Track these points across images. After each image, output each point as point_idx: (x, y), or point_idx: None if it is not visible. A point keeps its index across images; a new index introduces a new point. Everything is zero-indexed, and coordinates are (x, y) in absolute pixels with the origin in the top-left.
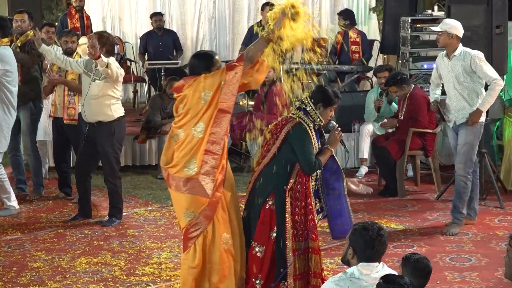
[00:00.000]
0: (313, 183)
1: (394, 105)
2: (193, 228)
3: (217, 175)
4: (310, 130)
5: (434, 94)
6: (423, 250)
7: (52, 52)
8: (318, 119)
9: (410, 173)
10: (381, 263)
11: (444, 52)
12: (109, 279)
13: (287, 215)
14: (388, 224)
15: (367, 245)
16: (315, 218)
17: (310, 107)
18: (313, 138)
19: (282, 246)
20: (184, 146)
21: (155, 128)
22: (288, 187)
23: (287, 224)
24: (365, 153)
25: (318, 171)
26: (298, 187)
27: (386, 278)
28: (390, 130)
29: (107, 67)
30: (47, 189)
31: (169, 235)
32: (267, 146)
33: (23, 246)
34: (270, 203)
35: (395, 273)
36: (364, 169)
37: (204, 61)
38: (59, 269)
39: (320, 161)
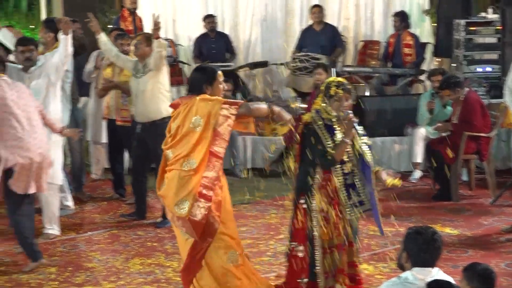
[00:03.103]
0: (340, 178)
1: (449, 108)
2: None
3: (205, 218)
4: (319, 127)
5: None
6: (478, 255)
7: (108, 43)
8: (331, 114)
9: (465, 177)
10: (436, 268)
11: None
12: (163, 280)
13: (314, 213)
14: (442, 229)
15: (421, 249)
16: (342, 213)
17: (323, 104)
18: (323, 134)
19: (311, 244)
20: (173, 179)
21: None
22: (315, 185)
23: (314, 222)
24: (419, 157)
25: (348, 165)
26: (324, 183)
27: (434, 284)
28: (444, 134)
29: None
30: (102, 190)
31: None
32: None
33: (78, 246)
34: (302, 202)
35: (450, 278)
36: (417, 173)
37: (207, 75)
38: (113, 269)
39: (334, 155)
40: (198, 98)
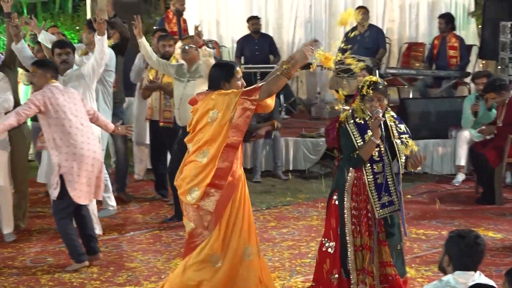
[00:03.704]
0: (370, 177)
1: (494, 111)
2: (196, 237)
3: (217, 209)
4: (349, 125)
5: None
6: None
7: (148, 49)
8: (365, 113)
9: (509, 180)
10: (478, 272)
11: None
12: None
13: (345, 211)
14: (485, 233)
15: (463, 253)
16: (372, 212)
17: (359, 103)
18: (353, 133)
19: (342, 241)
20: (189, 170)
21: (250, 132)
22: (347, 183)
23: (346, 220)
24: (462, 159)
25: (379, 165)
26: (355, 182)
27: None
28: (488, 137)
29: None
30: (144, 190)
31: (263, 238)
32: None
33: (120, 246)
34: (334, 198)
35: (492, 282)
36: (461, 176)
37: (225, 72)
38: (155, 269)
39: (361, 153)
40: (215, 93)
